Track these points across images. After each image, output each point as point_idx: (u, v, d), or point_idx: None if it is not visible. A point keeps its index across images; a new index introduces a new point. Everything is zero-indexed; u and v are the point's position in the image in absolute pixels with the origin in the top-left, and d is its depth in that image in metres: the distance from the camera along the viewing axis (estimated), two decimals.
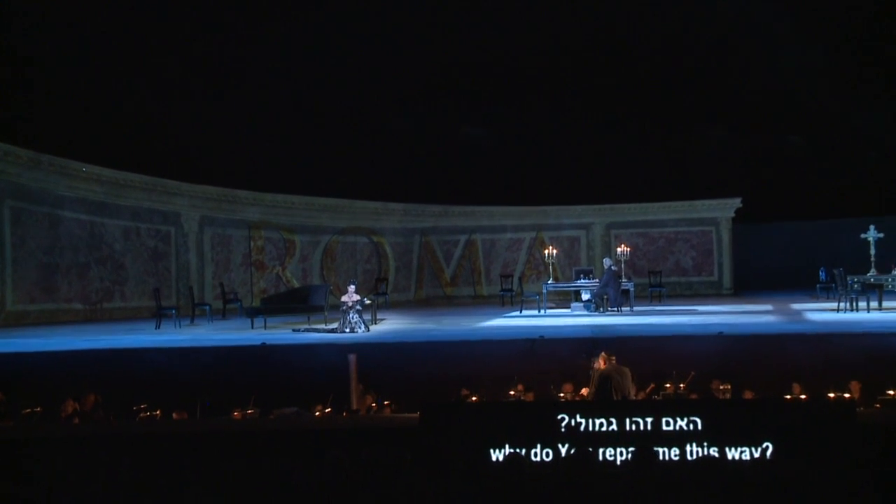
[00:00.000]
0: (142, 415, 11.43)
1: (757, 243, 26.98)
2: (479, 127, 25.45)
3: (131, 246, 20.49)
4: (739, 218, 25.77)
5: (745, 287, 25.37)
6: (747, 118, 24.70)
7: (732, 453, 7.78)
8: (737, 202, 25.54)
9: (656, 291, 22.72)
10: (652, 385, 12.09)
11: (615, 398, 10.80)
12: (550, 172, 25.05)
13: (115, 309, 19.91)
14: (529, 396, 12.32)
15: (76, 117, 18.67)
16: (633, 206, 26.01)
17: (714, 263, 25.86)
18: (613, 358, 11.33)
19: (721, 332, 13.62)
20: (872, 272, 18.16)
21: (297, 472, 6.87)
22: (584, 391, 11.73)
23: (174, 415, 11.37)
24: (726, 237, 25.80)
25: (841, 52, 22.67)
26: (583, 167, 24.91)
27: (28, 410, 11.29)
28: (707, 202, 25.78)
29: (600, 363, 11.36)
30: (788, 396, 11.28)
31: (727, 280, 25.68)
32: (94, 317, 19.33)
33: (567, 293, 21.81)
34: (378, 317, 18.02)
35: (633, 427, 7.97)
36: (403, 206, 25.79)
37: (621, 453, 7.87)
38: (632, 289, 19.25)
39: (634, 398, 11.14)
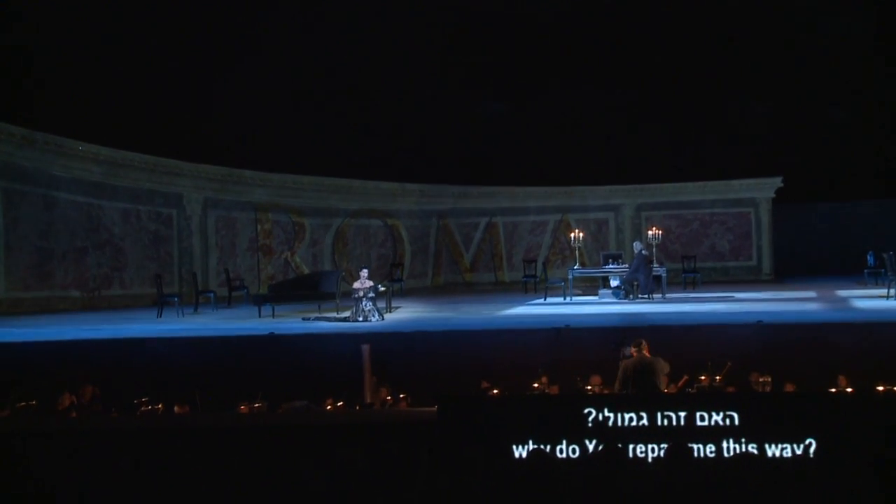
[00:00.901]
0: (142, 408, 11.48)
1: (799, 225, 26.82)
2: (500, 101, 25.37)
3: (131, 229, 20.56)
4: (780, 198, 25.60)
5: (786, 272, 25.23)
6: (789, 91, 24.49)
7: (772, 450, 7.73)
8: (777, 181, 25.36)
9: (690, 277, 22.62)
10: (685, 377, 12.05)
11: (646, 391, 10.76)
12: (577, 150, 24.94)
13: (114, 296, 20.01)
14: (554, 389, 12.30)
15: (72, 93, 18.72)
16: (665, 186, 25.87)
17: (752, 247, 25.71)
18: (646, 348, 11.29)
19: (760, 321, 13.55)
20: None
21: (306, 470, 6.89)
22: (617, 385, 11.68)
23: (176, 408, 11.42)
24: (766, 219, 25.64)
25: (889, 19, 22.43)
26: (612, 144, 24.80)
27: (22, 404, 11.36)
28: (745, 182, 25.62)
29: (633, 353, 11.32)
30: (833, 390, 11.21)
31: (767, 265, 25.53)
32: (91, 305, 19.43)
33: (594, 279, 21.74)
34: (393, 304, 18.03)
35: (666, 422, 7.93)
36: (420, 186, 25.76)
37: (653, 450, 7.83)
38: (664, 274, 19.17)
39: (667, 391, 11.10)
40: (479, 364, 12.94)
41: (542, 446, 7.85)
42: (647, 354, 11.21)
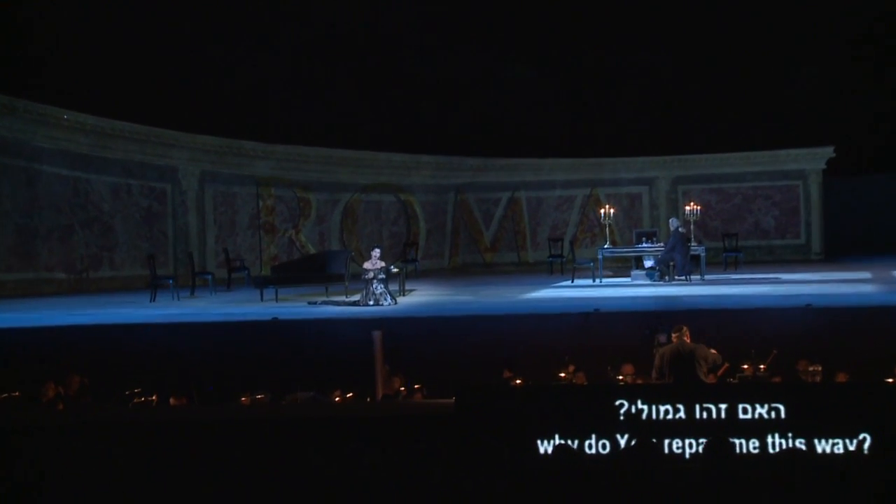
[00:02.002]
0: (135, 400, 11.53)
1: (852, 200, 26.64)
2: (524, 66, 25.25)
3: (121, 206, 20.62)
4: (831, 170, 25.44)
5: (837, 251, 25.10)
6: (840, 52, 24.28)
7: (822, 446, 7.72)
8: (828, 151, 25.21)
9: (732, 257, 22.53)
10: (727, 366, 12.02)
11: (685, 382, 10.73)
12: (608, 118, 24.84)
13: (103, 279, 20.09)
14: (582, 379, 12.29)
15: (56, 57, 18.72)
16: (704, 157, 25.75)
17: (801, 224, 25.59)
18: (687, 334, 11.26)
19: (809, 305, 13.50)
20: None
21: (312, 468, 6.90)
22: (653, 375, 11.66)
23: (172, 400, 11.47)
24: (815, 193, 25.51)
25: None
26: (646, 112, 24.67)
27: (4, 396, 11.43)
28: (793, 152, 25.47)
29: (673, 339, 11.30)
30: (890, 380, 11.16)
31: (816, 243, 25.41)
32: (79, 288, 19.52)
33: (626, 259, 21.68)
34: (406, 287, 18.03)
35: (705, 415, 7.93)
36: (436, 158, 25.72)
37: (691, 445, 7.83)
38: (703, 254, 19.10)
39: (706, 381, 11.07)
40: (501, 352, 12.95)
41: (569, 441, 7.85)
42: (687, 341, 11.18)
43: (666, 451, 7.82)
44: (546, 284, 19.54)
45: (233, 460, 8.11)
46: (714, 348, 11.34)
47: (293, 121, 23.04)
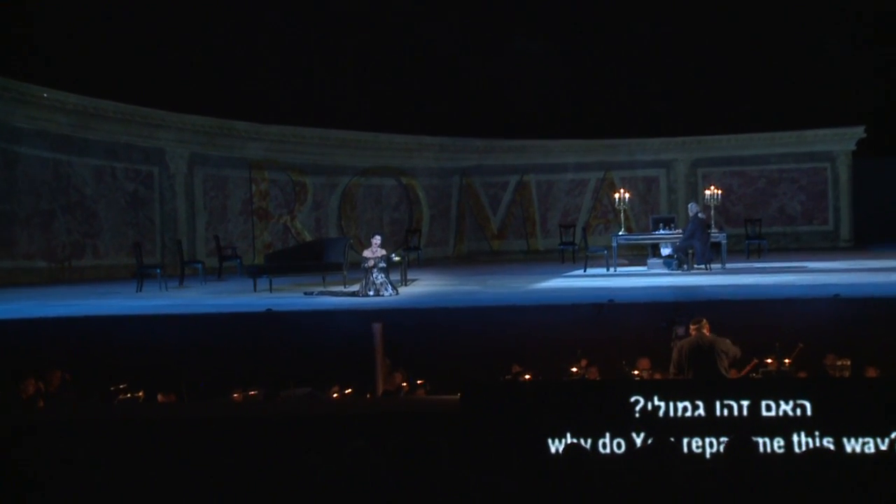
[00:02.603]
0: (120, 397, 11.56)
1: (884, 183, 26.57)
2: (533, 39, 25.20)
3: (105, 190, 20.63)
4: (862, 151, 25.40)
5: (868, 238, 25.08)
6: (871, 26, 24.21)
7: (851, 445, 7.71)
8: (859, 132, 25.17)
9: (755, 244, 22.51)
10: (754, 361, 12.03)
11: (705, 377, 10.74)
12: (622, 97, 24.79)
13: (86, 267, 20.11)
14: (595, 374, 12.30)
15: (35, 32, 18.69)
16: (725, 137, 25.73)
17: (828, 209, 25.58)
18: (707, 327, 11.26)
19: (837, 295, 13.47)
20: None
21: (309, 467, 6.90)
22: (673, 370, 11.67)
23: (160, 397, 11.50)
24: (845, 176, 25.47)
25: None
26: (663, 90, 24.61)
27: None
28: (820, 132, 25.44)
29: (691, 331, 11.30)
30: None
31: (845, 229, 25.39)
32: (60, 277, 19.53)
33: (643, 247, 21.68)
34: (409, 277, 18.03)
35: (726, 412, 7.92)
36: (440, 140, 25.70)
37: (711, 445, 7.84)
38: (724, 241, 19.08)
39: (727, 376, 11.07)
40: (509, 345, 12.95)
41: (581, 440, 7.85)
42: (707, 334, 11.18)
43: (685, 450, 7.82)
44: (557, 274, 19.52)
45: (224, 461, 8.12)
46: (736, 341, 11.34)
47: (288, 100, 23.01)
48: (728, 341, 11.26)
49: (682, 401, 7.99)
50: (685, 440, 7.87)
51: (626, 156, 26.15)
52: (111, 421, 9.03)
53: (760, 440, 7.77)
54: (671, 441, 7.49)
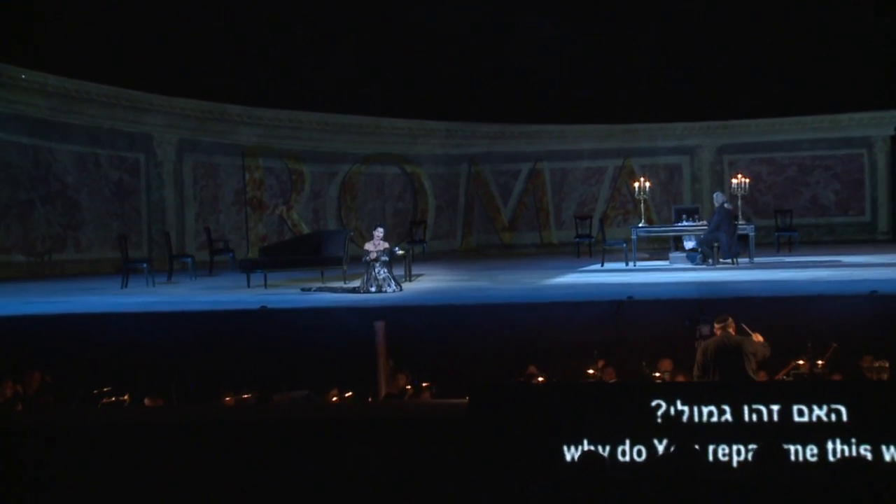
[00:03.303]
0: (104, 400, 11.56)
1: None
2: (546, 16, 25.14)
3: (88, 179, 20.63)
4: None
5: None
6: None
7: (890, 453, 7.69)
8: None
9: (785, 237, 22.48)
10: (791, 363, 12.01)
11: (731, 379, 10.72)
12: (642, 78, 24.73)
13: (67, 262, 20.12)
14: (613, 376, 12.29)
15: (12, 9, 18.66)
16: (753, 122, 25.68)
17: (865, 198, 25.52)
18: (733, 326, 11.24)
19: (874, 292, 13.45)
20: None
21: (306, 476, 6.90)
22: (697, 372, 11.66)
23: (147, 401, 11.48)
24: (883, 163, 25.41)
25: None
26: (686, 71, 24.55)
27: None
28: (857, 116, 25.37)
29: (716, 331, 11.27)
30: None
31: (883, 221, 25.33)
32: (40, 272, 19.55)
33: (664, 240, 21.66)
34: (413, 272, 18.04)
35: (755, 417, 7.90)
36: (447, 125, 25.68)
37: (738, 452, 7.81)
38: (752, 233, 19.07)
39: (756, 379, 11.06)
40: (521, 346, 12.95)
41: (599, 447, 7.84)
42: (732, 333, 11.16)
43: (710, 458, 7.80)
44: (572, 268, 19.52)
45: (215, 468, 8.12)
46: (762, 337, 11.32)
47: (284, 82, 22.98)
48: (758, 338, 11.23)
49: (707, 405, 7.96)
50: (710, 447, 7.84)
51: (647, 142, 26.10)
52: (94, 426, 9.03)
53: (792, 448, 7.74)
54: (695, 448, 7.48)
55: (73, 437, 8.58)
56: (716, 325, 11.38)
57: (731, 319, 11.32)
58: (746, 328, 11.36)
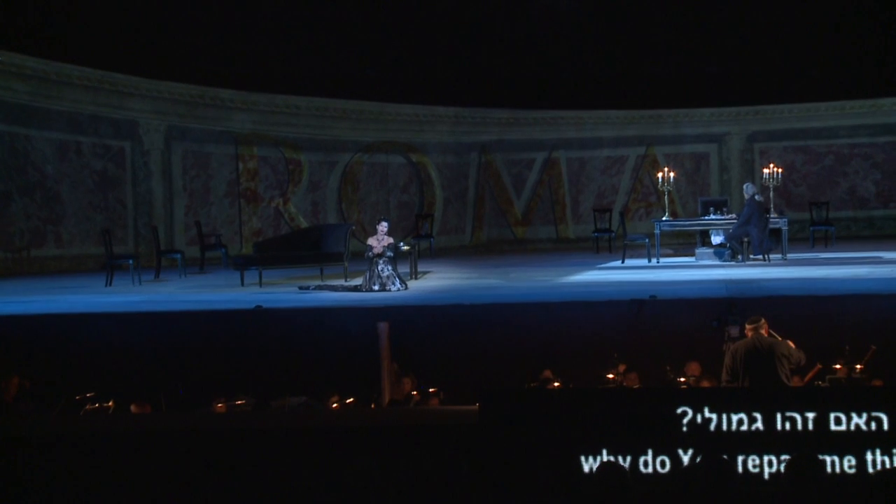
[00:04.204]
0: (87, 407, 11.58)
1: None
2: None
3: (70, 169, 20.65)
4: None
5: None
6: None
7: None
8: None
9: (821, 231, 22.45)
10: (817, 366, 12.00)
11: (763, 385, 10.72)
12: (666, 60, 24.72)
13: (47, 258, 20.14)
14: (635, 381, 12.29)
15: None
16: (787, 107, 25.64)
17: None
18: (766, 327, 11.23)
19: None
20: None
21: (305, 489, 6.91)
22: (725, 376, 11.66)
23: (133, 407, 11.51)
24: None
25: None
26: (714, 52, 24.53)
27: None
28: None
29: (747, 333, 11.26)
30: None
31: None
32: (17, 269, 19.57)
33: (690, 234, 21.64)
34: (419, 269, 18.04)
35: (788, 426, 7.91)
36: (455, 111, 25.67)
37: (770, 463, 7.82)
38: (785, 228, 19.05)
39: (789, 384, 11.06)
40: (535, 349, 12.96)
41: (619, 458, 7.84)
42: (765, 335, 11.15)
43: (739, 469, 7.81)
44: (591, 265, 19.53)
45: (207, 480, 8.14)
46: (799, 344, 11.31)
47: (280, 64, 22.99)
48: (790, 344, 11.22)
49: (736, 412, 7.97)
50: (740, 458, 7.85)
51: (672, 129, 26.08)
52: (76, 435, 9.05)
53: (828, 458, 7.75)
54: (724, 459, 7.49)
55: (53, 447, 8.60)
56: (747, 326, 11.37)
57: (763, 320, 11.31)
58: (776, 335, 11.35)
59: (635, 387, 12.01)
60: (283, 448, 8.56)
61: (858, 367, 12.09)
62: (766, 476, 7.79)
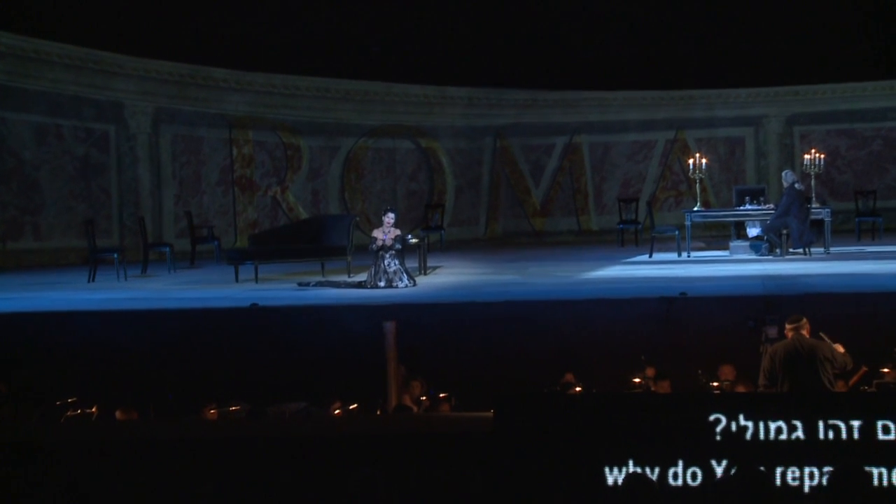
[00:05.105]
0: (69, 413, 11.60)
1: None
2: None
3: (49, 154, 20.68)
4: None
5: None
6: None
7: None
8: None
9: (867, 222, 22.41)
10: (863, 369, 11.98)
11: (804, 390, 10.71)
12: (698, 36, 24.68)
13: (24, 251, 20.17)
14: (665, 386, 12.29)
15: None
16: (830, 87, 25.60)
17: None
18: (807, 327, 11.21)
19: None
20: None
21: (305, 502, 6.92)
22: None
23: (118, 414, 11.52)
24: None
25: None
26: (749, 26, 24.49)
27: None
28: None
29: (787, 333, 11.25)
30: None
31: None
32: None
33: (724, 226, 21.62)
34: (429, 264, 18.04)
35: (831, 435, 7.91)
36: (469, 91, 25.67)
37: (812, 476, 7.82)
38: (827, 219, 19.01)
39: (833, 389, 11.04)
40: (555, 351, 12.96)
41: (646, 470, 7.84)
42: (806, 336, 11.12)
43: (778, 482, 7.80)
44: (615, 260, 19.52)
45: (198, 493, 8.15)
46: (842, 345, 11.28)
47: (278, 41, 22.99)
48: (833, 345, 11.20)
49: (774, 420, 7.98)
50: (778, 470, 7.86)
51: (704, 111, 26.06)
52: (57, 443, 9.06)
53: (874, 470, 7.74)
54: (760, 471, 7.49)
55: (32, 456, 8.62)
56: (787, 326, 11.33)
57: (804, 320, 11.27)
58: (824, 336, 11.30)
59: (665, 392, 12.00)
60: (281, 458, 8.57)
61: None
62: (807, 490, 7.80)
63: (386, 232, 15.97)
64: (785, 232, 18.47)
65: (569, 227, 26.15)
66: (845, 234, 21.87)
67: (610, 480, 7.88)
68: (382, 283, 15.53)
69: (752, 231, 19.67)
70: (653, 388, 12.21)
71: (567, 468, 7.88)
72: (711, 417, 8.02)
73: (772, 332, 11.79)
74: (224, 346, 13.28)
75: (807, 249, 18.40)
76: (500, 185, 26.30)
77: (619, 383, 12.38)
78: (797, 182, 18.81)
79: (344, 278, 16.53)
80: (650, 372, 12.56)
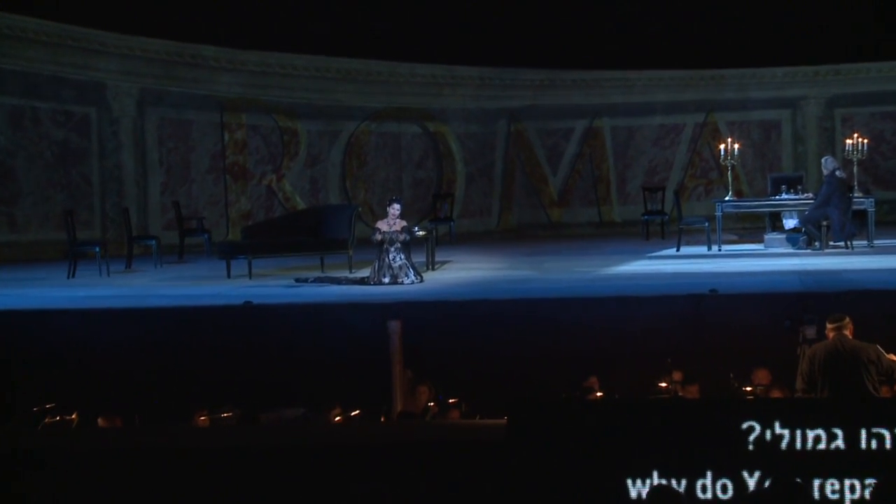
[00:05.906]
0: (47, 420, 11.62)
1: None
2: None
3: (24, 140, 20.72)
4: None
5: None
6: None
7: None
8: None
9: None
10: None
11: (846, 395, 10.69)
12: (729, 11, 24.65)
13: None
14: (693, 392, 12.29)
15: None
16: (875, 66, 25.56)
17: None
18: (850, 327, 11.19)
19: None
20: None
21: None
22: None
23: (100, 421, 11.54)
24: None
25: None
26: (785, 0, 24.46)
27: None
28: None
29: (828, 334, 11.23)
30: None
31: None
32: None
33: (758, 217, 21.61)
34: (437, 258, 18.07)
35: (875, 444, 7.90)
36: (480, 71, 25.67)
37: (853, 489, 7.81)
38: (871, 209, 19.01)
39: (877, 395, 11.02)
40: (573, 353, 12.94)
41: (673, 482, 7.85)
42: (849, 337, 11.10)
43: (816, 496, 7.80)
44: (640, 254, 19.56)
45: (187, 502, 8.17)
46: (887, 347, 11.27)
47: (273, 17, 23.00)
48: (879, 348, 11.17)
49: (813, 428, 7.97)
50: (816, 482, 7.86)
51: (736, 92, 26.05)
52: (35, 451, 9.08)
53: None
54: (797, 483, 7.48)
55: (6, 467, 8.64)
56: (828, 326, 11.30)
57: (847, 319, 11.24)
58: (882, 351, 11.23)
59: (693, 398, 12.00)
60: (276, 469, 8.58)
61: None
62: (848, 503, 7.79)
63: (391, 223, 16.00)
64: (825, 223, 18.47)
65: (589, 218, 26.15)
66: (890, 225, 21.87)
67: (633, 493, 7.89)
68: (387, 279, 15.56)
69: (789, 223, 19.68)
70: (680, 394, 12.20)
71: (587, 480, 7.88)
72: (744, 425, 8.02)
73: (810, 332, 11.77)
74: (215, 347, 13.29)
75: (848, 242, 18.41)
76: (514, 173, 26.30)
77: (644, 388, 12.36)
78: (838, 169, 18.80)
79: (345, 274, 16.57)
80: (677, 376, 12.54)
